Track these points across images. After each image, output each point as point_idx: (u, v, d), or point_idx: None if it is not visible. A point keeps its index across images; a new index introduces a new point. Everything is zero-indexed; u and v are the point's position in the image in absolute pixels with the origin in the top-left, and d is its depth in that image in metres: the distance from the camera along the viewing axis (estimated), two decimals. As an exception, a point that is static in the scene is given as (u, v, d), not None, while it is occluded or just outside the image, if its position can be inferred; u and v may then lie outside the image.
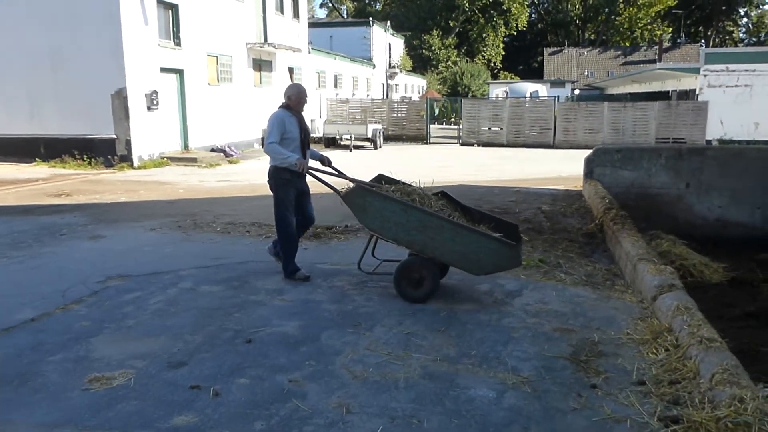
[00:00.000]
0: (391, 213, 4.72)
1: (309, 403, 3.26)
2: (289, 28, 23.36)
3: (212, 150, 17.06)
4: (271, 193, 5.33)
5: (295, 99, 5.27)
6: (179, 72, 16.12)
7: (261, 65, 21.03)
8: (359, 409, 3.22)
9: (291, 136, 5.14)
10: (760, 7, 67.99)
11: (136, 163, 14.24)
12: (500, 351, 3.98)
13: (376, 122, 23.70)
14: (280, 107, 5.29)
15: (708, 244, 7.91)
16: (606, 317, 4.63)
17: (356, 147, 20.77)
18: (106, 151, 14.13)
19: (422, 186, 5.25)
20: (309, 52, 25.35)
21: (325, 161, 5.45)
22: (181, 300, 4.88)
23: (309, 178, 5.31)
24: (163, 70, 15.35)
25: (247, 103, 19.70)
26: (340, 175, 5.37)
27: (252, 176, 13.34)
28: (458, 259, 4.75)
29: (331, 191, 5.19)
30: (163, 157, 15.12)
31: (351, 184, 5.05)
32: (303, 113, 5.40)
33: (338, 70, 29.73)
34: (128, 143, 14.13)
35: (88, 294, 5.00)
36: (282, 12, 22.77)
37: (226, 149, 17.27)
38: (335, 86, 29.19)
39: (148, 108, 14.64)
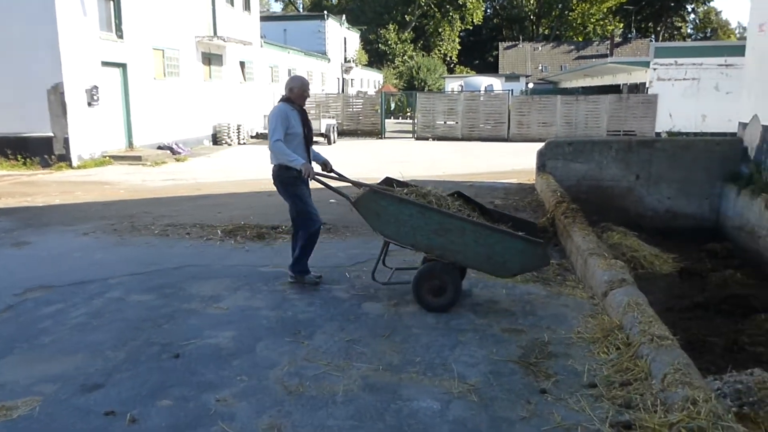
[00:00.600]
0: (407, 217, 4.40)
1: (237, 425, 2.98)
2: (240, 21, 22.70)
3: (159, 147, 16.37)
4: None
5: (297, 92, 4.90)
6: (122, 66, 15.38)
7: (211, 59, 20.37)
8: (292, 429, 2.95)
9: (294, 132, 4.79)
10: (707, 3, 70.50)
11: (75, 163, 13.48)
12: (447, 356, 3.78)
13: (330, 117, 23.32)
14: (281, 100, 4.91)
15: (658, 235, 8.00)
16: (556, 315, 4.48)
17: (311, 143, 20.39)
18: (43, 151, 13.31)
19: (434, 180, 4.98)
20: (261, 46, 24.74)
21: (328, 165, 5.08)
22: (107, 312, 4.50)
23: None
24: (105, 64, 14.60)
25: (196, 99, 19.04)
26: (343, 178, 5.01)
27: (199, 174, 12.85)
28: (482, 262, 4.46)
29: None
30: (105, 156, 14.39)
31: (359, 189, 4.69)
32: (305, 107, 5.06)
33: (292, 65, 29.16)
34: (66, 141, 13.36)
35: (1, 308, 4.55)
36: (232, 4, 22.10)
37: (174, 146, 16.62)
38: (289, 81, 28.59)
39: (89, 104, 13.88)
